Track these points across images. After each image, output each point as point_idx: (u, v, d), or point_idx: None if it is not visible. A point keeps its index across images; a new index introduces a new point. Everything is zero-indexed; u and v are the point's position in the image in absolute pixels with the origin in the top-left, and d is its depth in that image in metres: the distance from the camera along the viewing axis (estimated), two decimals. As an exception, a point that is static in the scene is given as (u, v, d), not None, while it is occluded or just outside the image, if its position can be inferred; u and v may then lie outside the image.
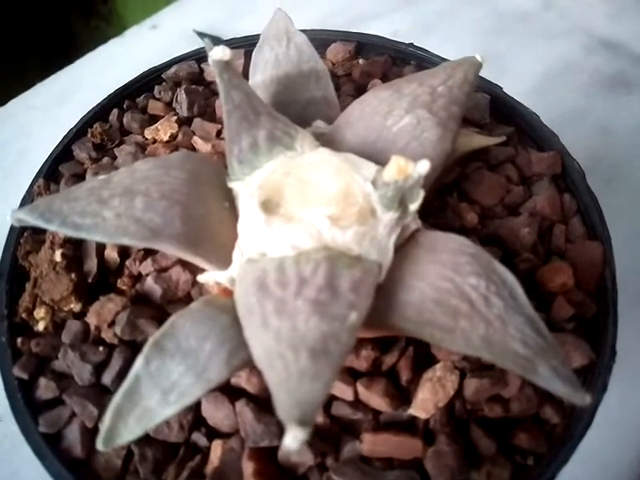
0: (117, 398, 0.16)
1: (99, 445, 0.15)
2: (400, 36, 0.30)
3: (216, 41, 0.46)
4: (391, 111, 0.21)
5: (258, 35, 0.25)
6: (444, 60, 0.27)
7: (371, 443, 0.19)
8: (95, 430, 0.19)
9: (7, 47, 0.60)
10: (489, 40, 0.47)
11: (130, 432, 0.15)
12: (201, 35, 0.46)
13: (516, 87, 0.29)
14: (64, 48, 0.64)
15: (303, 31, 0.24)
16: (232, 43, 0.29)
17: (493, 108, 0.26)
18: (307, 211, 0.18)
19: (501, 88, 0.27)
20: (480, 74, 0.22)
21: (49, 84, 0.45)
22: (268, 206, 0.18)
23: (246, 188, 0.19)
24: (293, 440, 0.13)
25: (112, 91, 0.27)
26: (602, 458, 0.30)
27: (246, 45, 0.28)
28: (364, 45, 0.29)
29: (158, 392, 0.16)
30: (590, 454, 0.29)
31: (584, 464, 0.29)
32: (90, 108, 0.28)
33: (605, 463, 0.30)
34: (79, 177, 0.25)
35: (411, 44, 0.29)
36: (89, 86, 0.44)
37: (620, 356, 0.22)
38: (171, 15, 0.50)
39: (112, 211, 0.17)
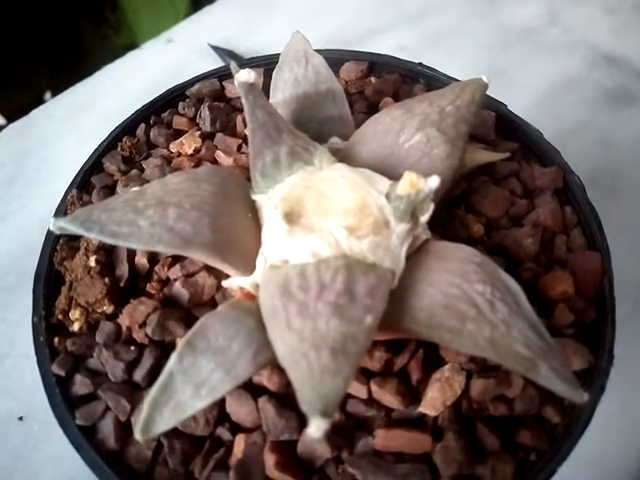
0: (153, 392, 0.17)
1: (137, 434, 0.17)
2: (407, 50, 0.31)
3: (232, 55, 0.48)
4: (403, 129, 0.22)
5: (275, 54, 0.27)
6: (452, 79, 0.29)
7: (383, 438, 0.20)
8: (128, 423, 0.21)
9: (15, 52, 0.61)
10: (494, 55, 0.48)
11: (165, 423, 0.17)
12: (216, 49, 0.48)
13: (520, 101, 0.30)
14: (74, 56, 0.65)
15: (318, 51, 0.25)
16: (251, 62, 0.30)
17: (498, 125, 0.28)
18: (326, 222, 0.19)
19: (506, 106, 0.28)
20: (485, 91, 0.23)
21: (69, 95, 0.47)
22: (290, 217, 0.19)
23: (269, 200, 0.21)
24: (317, 430, 0.14)
25: (139, 107, 0.29)
26: (603, 462, 0.30)
27: (264, 64, 0.30)
28: (375, 64, 0.30)
29: (190, 387, 0.17)
30: (592, 458, 0.30)
31: (586, 467, 0.30)
32: (112, 119, 0.29)
33: (606, 467, 0.30)
34: (109, 188, 0.26)
35: (420, 63, 0.30)
36: (108, 97, 0.46)
37: (622, 362, 0.23)
38: (186, 29, 0.51)
39: (147, 220, 0.19)
